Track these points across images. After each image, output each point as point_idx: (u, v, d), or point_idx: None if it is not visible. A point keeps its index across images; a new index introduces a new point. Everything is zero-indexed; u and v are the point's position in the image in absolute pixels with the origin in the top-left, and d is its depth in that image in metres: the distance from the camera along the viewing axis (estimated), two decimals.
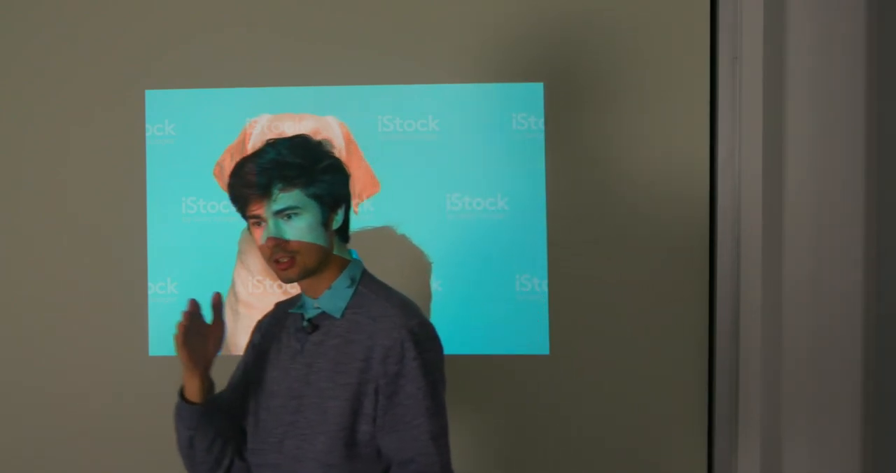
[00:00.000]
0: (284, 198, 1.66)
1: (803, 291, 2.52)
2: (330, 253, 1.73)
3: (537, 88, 2.56)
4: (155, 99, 2.62)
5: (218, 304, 1.78)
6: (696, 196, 2.54)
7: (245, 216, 1.71)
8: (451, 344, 2.56)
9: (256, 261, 2.58)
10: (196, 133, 2.59)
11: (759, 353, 2.49)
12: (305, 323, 1.76)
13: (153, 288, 2.62)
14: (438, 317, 2.56)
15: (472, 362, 2.56)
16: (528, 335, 2.56)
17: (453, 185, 2.57)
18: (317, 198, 1.69)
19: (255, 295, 2.60)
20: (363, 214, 2.58)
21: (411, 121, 2.58)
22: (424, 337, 1.70)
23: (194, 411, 1.73)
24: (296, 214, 1.67)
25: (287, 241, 1.67)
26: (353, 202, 2.58)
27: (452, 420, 2.54)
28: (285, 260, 1.67)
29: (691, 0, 2.53)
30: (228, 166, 2.57)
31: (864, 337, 2.51)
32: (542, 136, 2.56)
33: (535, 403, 2.56)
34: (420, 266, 2.57)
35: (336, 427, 1.68)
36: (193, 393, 1.74)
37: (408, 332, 1.67)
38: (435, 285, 2.57)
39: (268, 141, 1.73)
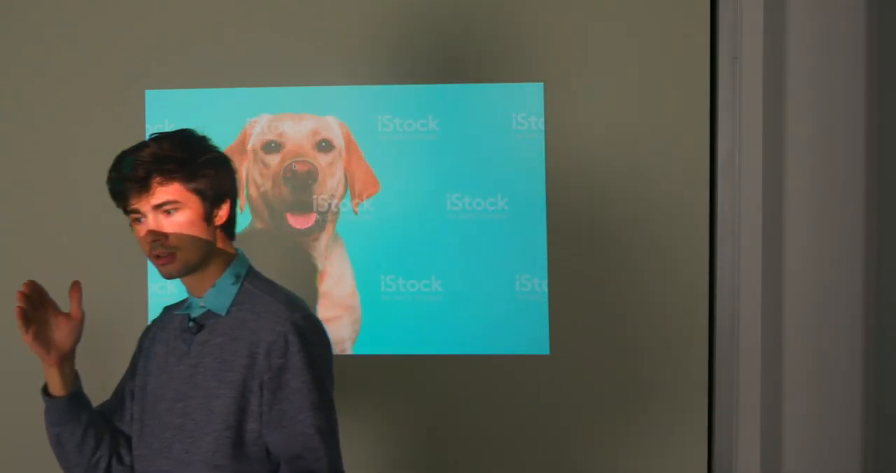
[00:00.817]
0: (163, 192, 1.63)
1: (803, 291, 2.52)
2: (213, 249, 1.69)
3: (537, 88, 2.56)
4: (155, 99, 2.62)
5: (77, 293, 1.70)
6: (696, 196, 2.54)
7: (126, 211, 1.67)
8: (452, 344, 2.57)
9: None
10: None
11: (759, 353, 2.49)
12: (191, 324, 1.71)
13: (153, 287, 2.62)
14: (439, 317, 2.56)
15: (472, 362, 2.56)
16: (528, 335, 2.56)
17: (453, 185, 2.57)
18: (198, 192, 1.65)
19: None
20: (363, 214, 2.58)
21: (411, 121, 2.58)
22: (309, 331, 1.66)
23: (58, 405, 1.67)
24: (175, 209, 1.64)
25: (166, 236, 1.63)
26: (353, 202, 2.58)
27: (453, 419, 2.54)
28: (165, 255, 1.64)
29: (691, 0, 2.53)
30: None
31: (864, 337, 2.51)
32: (542, 136, 2.56)
33: (535, 403, 2.56)
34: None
35: (222, 426, 1.63)
36: (55, 387, 1.67)
37: (291, 325, 1.64)
38: (435, 285, 2.57)
39: (151, 135, 1.71)
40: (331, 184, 2.59)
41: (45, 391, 1.69)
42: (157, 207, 1.63)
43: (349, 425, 2.58)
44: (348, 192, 2.59)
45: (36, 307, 1.65)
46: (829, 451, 2.53)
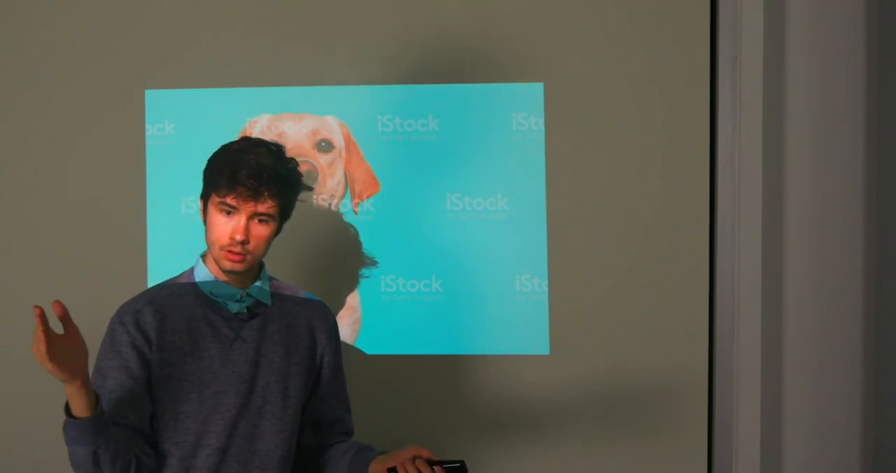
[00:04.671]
0: (267, 205, 1.79)
1: (803, 291, 2.53)
2: None
3: (537, 88, 2.56)
4: (155, 99, 2.62)
5: (64, 314, 1.61)
6: (696, 196, 2.54)
7: (222, 199, 1.78)
8: (452, 344, 2.57)
9: None
10: (196, 133, 2.59)
11: (758, 353, 2.49)
12: (243, 310, 1.88)
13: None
14: (439, 317, 2.56)
15: (472, 362, 2.56)
16: (528, 335, 2.56)
17: (453, 185, 2.57)
18: (283, 212, 1.85)
19: None
20: (363, 214, 2.58)
21: (411, 121, 2.58)
22: None
23: (89, 425, 1.64)
24: (266, 221, 1.81)
25: (249, 241, 1.80)
26: (353, 202, 2.58)
27: (453, 419, 2.55)
28: (240, 254, 1.80)
29: (691, 0, 2.53)
30: None
31: (864, 337, 2.52)
32: (542, 136, 2.56)
33: (535, 403, 2.56)
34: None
35: (297, 401, 1.92)
36: (82, 408, 1.63)
37: (332, 314, 2.05)
38: (435, 285, 2.57)
39: (275, 146, 1.85)
40: (331, 184, 2.59)
41: (69, 413, 1.64)
42: (256, 215, 1.79)
43: None
44: (348, 192, 2.59)
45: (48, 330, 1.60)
46: (830, 451, 2.53)
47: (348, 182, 2.59)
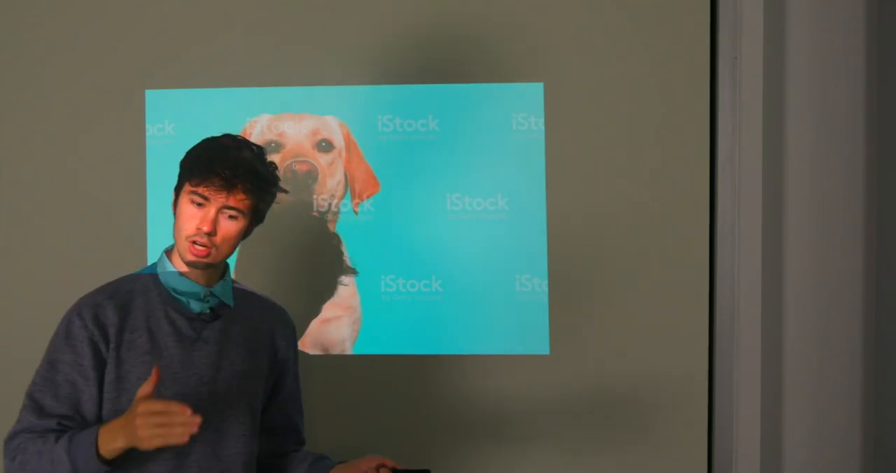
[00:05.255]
0: (239, 199, 1.75)
1: (803, 291, 2.52)
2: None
3: (537, 88, 2.56)
4: (155, 99, 2.62)
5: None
6: (696, 196, 2.54)
7: (194, 188, 1.75)
8: (452, 344, 2.57)
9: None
10: (196, 133, 2.55)
11: (759, 353, 2.49)
12: (206, 310, 1.83)
13: None
14: (439, 317, 2.56)
15: (472, 362, 2.56)
16: (528, 335, 2.56)
17: (453, 185, 2.57)
18: (255, 212, 1.81)
19: None
20: (363, 214, 2.58)
21: (411, 121, 2.58)
22: None
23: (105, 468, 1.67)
24: (236, 217, 1.77)
25: (216, 234, 1.75)
26: (353, 202, 2.58)
27: (453, 419, 2.55)
28: (205, 247, 1.75)
29: (691, 0, 2.53)
30: None
31: (864, 337, 2.52)
32: (542, 136, 2.56)
33: (535, 403, 2.56)
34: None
35: (258, 406, 1.89)
36: (113, 454, 1.65)
37: (293, 322, 2.02)
38: (435, 285, 2.57)
39: (256, 147, 1.83)
40: (331, 184, 2.59)
41: (99, 456, 1.65)
42: (226, 208, 1.75)
43: (349, 424, 2.58)
44: (348, 192, 2.59)
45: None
46: (830, 451, 2.53)
47: (348, 182, 2.59)
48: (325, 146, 2.59)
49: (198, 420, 1.58)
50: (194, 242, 1.75)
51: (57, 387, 1.75)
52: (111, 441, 1.64)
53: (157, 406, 1.59)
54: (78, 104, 2.63)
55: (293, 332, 2.00)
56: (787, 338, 2.53)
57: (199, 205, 1.75)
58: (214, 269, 1.83)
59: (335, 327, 2.59)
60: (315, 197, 2.58)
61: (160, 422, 1.58)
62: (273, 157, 2.56)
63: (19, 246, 2.64)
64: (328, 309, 2.60)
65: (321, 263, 2.58)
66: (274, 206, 1.89)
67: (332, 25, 2.59)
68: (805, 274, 2.52)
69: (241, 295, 1.92)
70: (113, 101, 2.62)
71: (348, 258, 2.59)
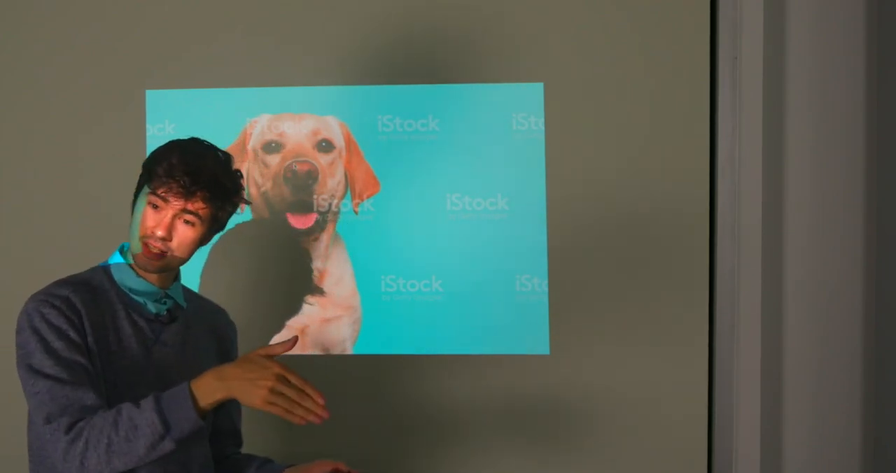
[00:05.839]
0: (198, 206, 1.71)
1: (803, 291, 2.53)
2: None
3: (537, 88, 2.56)
4: (155, 99, 2.62)
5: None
6: (696, 196, 2.54)
7: (153, 191, 1.70)
8: (452, 344, 2.57)
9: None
10: (196, 133, 2.55)
11: (759, 353, 2.49)
12: (163, 313, 1.78)
13: None
14: (439, 317, 2.56)
15: (472, 362, 2.56)
16: (528, 335, 2.56)
17: (453, 185, 2.57)
18: (214, 220, 1.76)
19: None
20: (363, 214, 2.58)
21: (411, 121, 2.58)
22: None
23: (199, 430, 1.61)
24: (193, 223, 1.72)
25: (172, 239, 1.71)
26: (354, 202, 2.58)
27: (453, 419, 2.55)
28: (159, 250, 1.71)
29: (691, 0, 2.53)
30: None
31: (864, 337, 2.52)
32: (542, 136, 2.56)
33: (535, 403, 2.56)
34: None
35: (212, 409, 1.71)
36: (212, 407, 1.58)
37: (235, 325, 1.99)
38: (435, 285, 2.57)
39: (222, 154, 1.78)
40: (331, 184, 2.59)
41: (197, 409, 1.55)
42: (184, 212, 1.71)
43: (349, 424, 2.59)
44: (348, 192, 2.59)
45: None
46: (830, 451, 2.53)
47: (348, 182, 2.59)
48: (326, 146, 2.59)
49: (325, 414, 1.54)
50: (147, 244, 1.71)
51: (69, 367, 1.62)
52: (210, 393, 1.55)
53: (297, 379, 1.54)
54: (78, 104, 2.63)
55: (236, 334, 1.98)
56: (787, 338, 2.53)
57: (157, 207, 1.71)
58: (168, 273, 1.79)
59: (335, 327, 2.59)
60: (315, 197, 2.58)
61: (290, 395, 1.52)
62: (273, 157, 2.58)
63: (19, 246, 2.65)
64: (328, 309, 2.60)
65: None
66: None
67: (333, 25, 2.59)
68: (805, 274, 2.52)
69: (190, 297, 1.90)
70: (113, 101, 2.62)
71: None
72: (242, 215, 2.58)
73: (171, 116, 2.61)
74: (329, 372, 2.59)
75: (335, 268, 2.60)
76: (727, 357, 2.52)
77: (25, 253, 2.65)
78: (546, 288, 2.55)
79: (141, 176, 1.77)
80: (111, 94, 2.62)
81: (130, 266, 1.77)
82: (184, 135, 1.84)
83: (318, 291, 2.59)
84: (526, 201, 2.56)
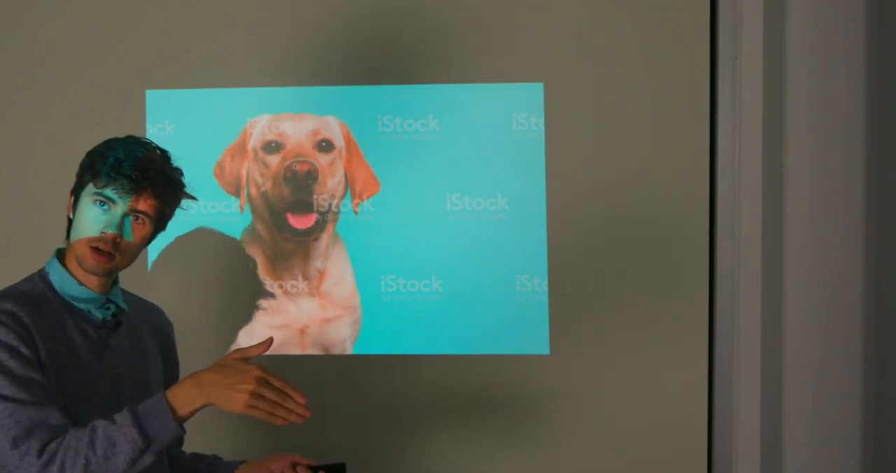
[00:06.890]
0: (148, 203, 1.66)
1: (803, 291, 2.52)
2: None
3: (537, 88, 2.56)
4: (155, 99, 2.62)
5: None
6: (696, 196, 2.54)
7: (99, 190, 1.64)
8: (452, 344, 2.57)
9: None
10: (196, 133, 2.59)
11: (758, 353, 2.49)
12: (108, 318, 1.71)
13: None
14: (439, 317, 2.56)
15: (472, 362, 2.56)
16: (528, 335, 2.56)
17: (453, 185, 2.57)
18: (161, 217, 1.71)
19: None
20: (363, 214, 2.58)
21: (411, 121, 2.58)
22: None
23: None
24: (143, 221, 1.67)
25: (121, 238, 1.65)
26: (354, 202, 2.58)
27: (453, 419, 2.54)
28: (109, 254, 1.64)
29: (691, 0, 2.53)
30: (229, 166, 2.59)
31: (864, 337, 2.51)
32: (542, 136, 2.56)
33: (535, 403, 2.56)
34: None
35: None
36: (191, 415, 1.55)
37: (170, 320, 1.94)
38: (435, 285, 2.57)
39: (162, 150, 1.73)
40: (331, 184, 2.59)
41: (177, 419, 1.51)
42: (134, 211, 1.66)
43: (349, 424, 2.59)
44: (348, 192, 2.59)
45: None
46: (830, 451, 2.53)
47: (348, 182, 2.59)
48: (326, 146, 2.59)
49: (307, 413, 1.51)
50: (97, 248, 1.63)
51: (27, 386, 1.54)
52: (189, 402, 1.51)
53: (277, 380, 1.51)
54: (78, 104, 2.63)
55: (174, 331, 1.92)
56: (787, 338, 2.53)
57: (104, 206, 1.64)
58: (109, 277, 1.71)
59: (335, 327, 2.59)
60: (315, 197, 2.58)
61: (271, 397, 1.49)
62: (273, 157, 2.58)
63: (19, 246, 2.64)
64: (328, 309, 2.60)
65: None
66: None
67: (332, 25, 2.59)
68: (805, 274, 2.52)
69: (129, 298, 1.82)
70: (113, 101, 2.62)
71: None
72: (243, 215, 2.59)
73: (171, 116, 2.61)
74: (329, 372, 2.59)
75: (335, 268, 2.60)
76: (727, 357, 2.52)
77: (25, 253, 2.64)
78: (546, 289, 2.55)
79: (79, 175, 1.72)
80: (111, 94, 2.62)
81: (70, 272, 1.69)
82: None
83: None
84: (526, 201, 2.56)
